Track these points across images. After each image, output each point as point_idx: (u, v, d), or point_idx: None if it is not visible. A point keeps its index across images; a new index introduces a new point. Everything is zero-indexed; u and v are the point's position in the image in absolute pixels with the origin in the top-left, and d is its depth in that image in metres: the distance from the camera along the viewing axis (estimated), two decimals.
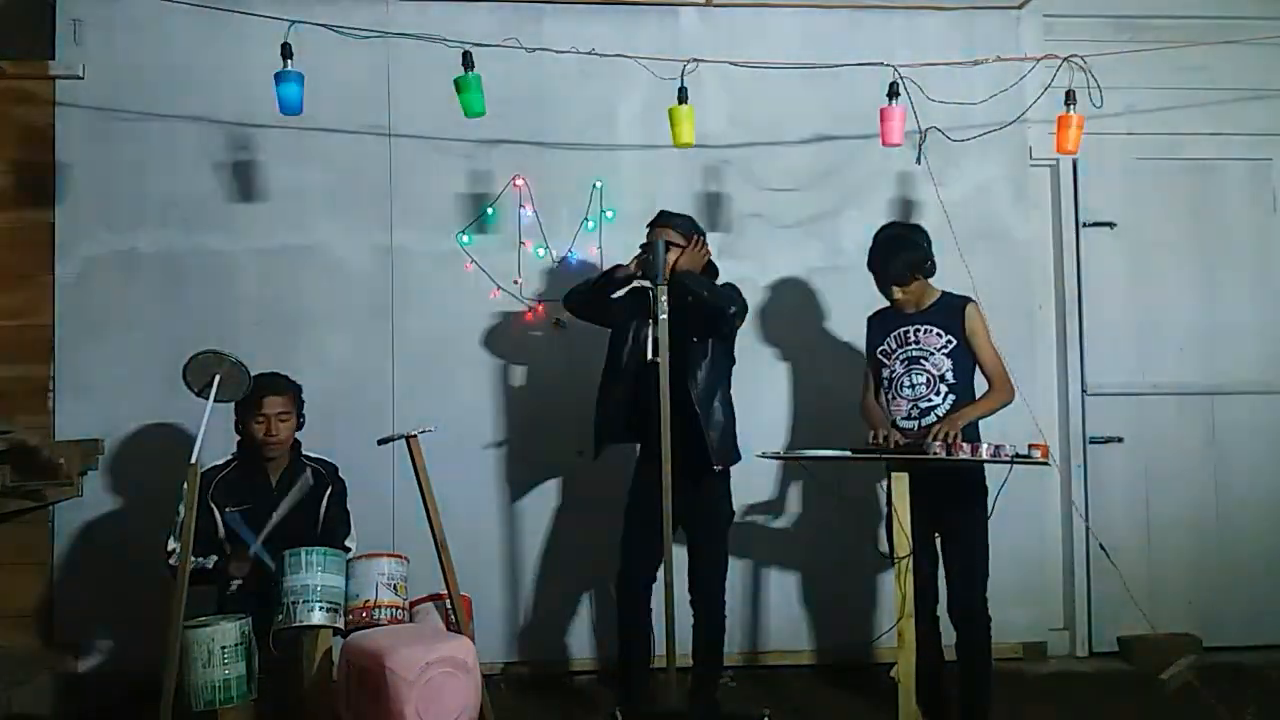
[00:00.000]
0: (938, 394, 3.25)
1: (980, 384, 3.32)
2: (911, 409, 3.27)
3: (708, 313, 3.33)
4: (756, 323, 4.07)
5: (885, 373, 3.36)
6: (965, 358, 3.27)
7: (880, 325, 3.41)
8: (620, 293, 3.43)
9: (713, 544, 3.42)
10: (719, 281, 3.44)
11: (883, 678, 3.39)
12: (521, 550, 4.05)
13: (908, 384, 3.29)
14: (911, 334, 3.31)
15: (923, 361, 3.28)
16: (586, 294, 3.48)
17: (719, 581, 3.42)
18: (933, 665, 3.23)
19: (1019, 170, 4.23)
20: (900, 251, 3.25)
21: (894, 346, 3.34)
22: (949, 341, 3.26)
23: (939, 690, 3.29)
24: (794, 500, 4.12)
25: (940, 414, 3.22)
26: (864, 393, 3.48)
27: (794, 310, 4.14)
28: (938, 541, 3.28)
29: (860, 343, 4.04)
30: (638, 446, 3.51)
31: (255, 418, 3.26)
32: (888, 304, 3.38)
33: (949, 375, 3.25)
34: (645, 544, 3.32)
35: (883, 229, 3.39)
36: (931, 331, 3.28)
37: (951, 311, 3.29)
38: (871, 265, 3.32)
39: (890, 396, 3.33)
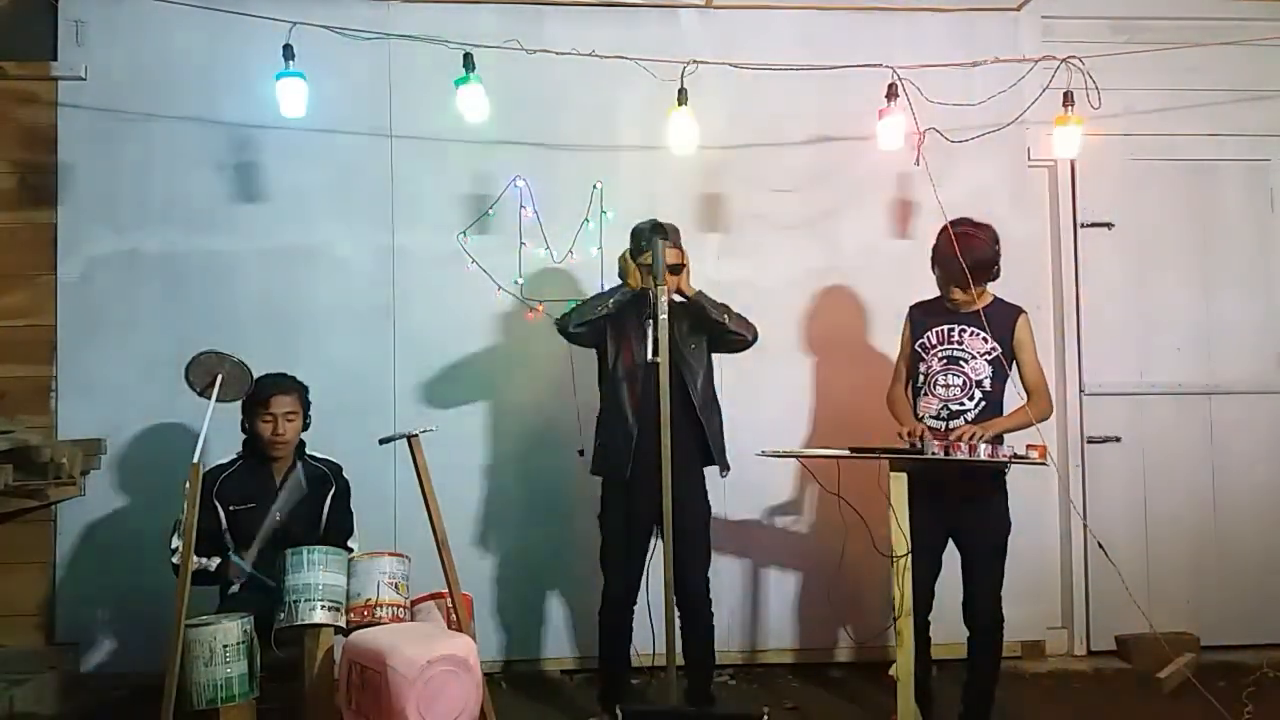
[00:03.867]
0: (970, 398, 3.18)
1: (1009, 395, 3.24)
2: (942, 409, 3.20)
3: (725, 337, 3.36)
4: (756, 323, 4.08)
5: (921, 367, 3.27)
6: (1005, 367, 3.20)
7: (924, 317, 3.31)
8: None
9: (699, 543, 3.39)
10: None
11: (881, 676, 3.40)
12: (523, 549, 4.06)
13: (942, 383, 3.21)
14: (956, 333, 3.23)
15: (962, 364, 3.20)
16: (596, 317, 3.37)
17: (706, 580, 3.41)
18: (923, 668, 3.21)
19: (1017, 171, 4.25)
20: (972, 254, 3.10)
21: (935, 342, 3.25)
22: (993, 349, 3.19)
23: (928, 692, 3.28)
24: (793, 500, 4.13)
25: (969, 419, 3.15)
26: (893, 384, 3.41)
27: (793, 311, 4.15)
28: (948, 546, 3.24)
29: (857, 342, 4.06)
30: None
31: (263, 416, 3.27)
32: (934, 296, 3.29)
33: (986, 382, 3.18)
34: (632, 561, 3.35)
35: (954, 224, 3.20)
36: (978, 335, 3.20)
37: (1002, 319, 3.20)
38: (938, 261, 3.20)
39: (922, 392, 3.26)
